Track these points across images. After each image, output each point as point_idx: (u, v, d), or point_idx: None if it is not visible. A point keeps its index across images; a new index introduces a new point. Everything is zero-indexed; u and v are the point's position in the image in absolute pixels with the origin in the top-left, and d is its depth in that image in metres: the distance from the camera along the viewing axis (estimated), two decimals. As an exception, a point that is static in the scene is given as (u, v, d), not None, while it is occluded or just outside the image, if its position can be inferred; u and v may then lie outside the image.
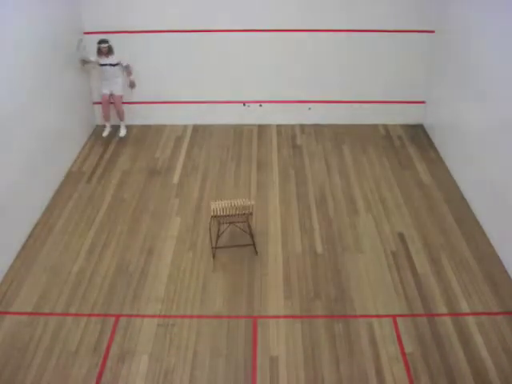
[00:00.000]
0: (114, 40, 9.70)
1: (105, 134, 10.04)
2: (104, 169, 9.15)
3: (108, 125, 10.11)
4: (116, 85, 9.80)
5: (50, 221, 7.88)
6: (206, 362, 5.74)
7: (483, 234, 7.58)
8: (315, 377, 5.58)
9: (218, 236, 7.25)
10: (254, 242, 7.30)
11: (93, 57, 9.56)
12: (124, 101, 10.20)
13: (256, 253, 7.25)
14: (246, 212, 6.97)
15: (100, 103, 10.14)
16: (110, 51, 9.47)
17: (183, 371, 5.64)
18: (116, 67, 9.63)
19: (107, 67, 9.57)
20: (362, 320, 6.25)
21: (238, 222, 7.22)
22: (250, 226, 7.34)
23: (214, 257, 7.18)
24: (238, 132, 10.41)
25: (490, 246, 7.35)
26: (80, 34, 9.65)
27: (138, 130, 10.42)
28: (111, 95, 9.90)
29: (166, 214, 8.02)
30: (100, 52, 9.44)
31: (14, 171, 7.22)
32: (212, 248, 7.26)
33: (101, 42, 9.39)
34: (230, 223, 7.28)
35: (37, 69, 7.97)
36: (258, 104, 10.47)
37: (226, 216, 6.96)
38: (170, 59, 10.02)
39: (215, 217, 6.97)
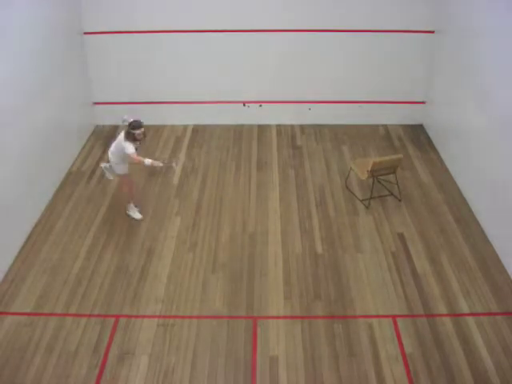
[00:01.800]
0: (113, 40, 9.72)
1: (138, 216, 7.99)
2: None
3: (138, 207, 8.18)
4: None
5: (50, 221, 7.88)
6: (205, 362, 5.74)
7: (483, 233, 7.58)
8: (315, 377, 5.58)
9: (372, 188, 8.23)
10: (399, 190, 8.33)
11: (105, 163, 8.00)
12: (123, 101, 10.23)
13: (399, 200, 8.23)
14: (396, 164, 8.07)
15: (103, 103, 10.16)
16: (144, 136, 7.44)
17: (183, 371, 5.64)
18: None
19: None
20: (361, 320, 6.25)
21: (388, 174, 8.23)
22: (396, 177, 8.28)
23: (368, 207, 8.16)
24: (237, 132, 10.40)
25: (490, 245, 7.35)
26: (80, 34, 9.65)
27: (137, 130, 10.40)
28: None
29: (165, 215, 8.02)
30: (134, 139, 7.20)
31: (14, 171, 7.22)
32: (363, 200, 8.28)
33: (137, 126, 7.18)
34: (380, 176, 8.26)
35: (37, 69, 7.96)
36: (258, 104, 10.47)
37: (380, 169, 8.02)
38: (170, 59, 10.01)
39: (372, 171, 7.92)
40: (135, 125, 7.18)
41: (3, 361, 5.73)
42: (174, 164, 8.05)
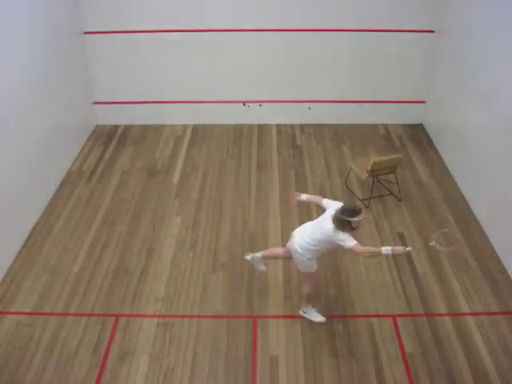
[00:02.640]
0: (114, 40, 9.73)
1: (322, 319, 6.26)
2: (104, 169, 9.15)
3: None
4: None
5: (50, 221, 7.88)
6: (205, 362, 5.74)
7: (483, 233, 7.58)
8: (315, 377, 5.58)
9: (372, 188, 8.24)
10: (399, 189, 8.32)
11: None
12: (123, 101, 10.24)
13: (400, 199, 8.20)
14: (396, 164, 8.08)
15: (103, 103, 10.16)
16: None
17: (183, 371, 5.65)
18: None
19: None
20: (361, 320, 6.25)
21: (388, 174, 8.23)
22: (396, 176, 8.28)
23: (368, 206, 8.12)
24: (237, 132, 10.40)
25: (490, 245, 7.35)
26: (80, 34, 9.65)
27: (137, 130, 10.41)
28: None
29: (165, 214, 8.01)
30: (351, 228, 5.41)
31: (14, 171, 7.22)
32: (363, 200, 8.26)
33: (356, 212, 5.39)
34: (380, 175, 8.24)
35: (37, 69, 7.96)
36: (258, 104, 10.47)
37: (380, 169, 7.99)
38: (171, 59, 10.00)
39: (372, 171, 7.89)
40: (354, 211, 5.38)
41: (3, 361, 5.73)
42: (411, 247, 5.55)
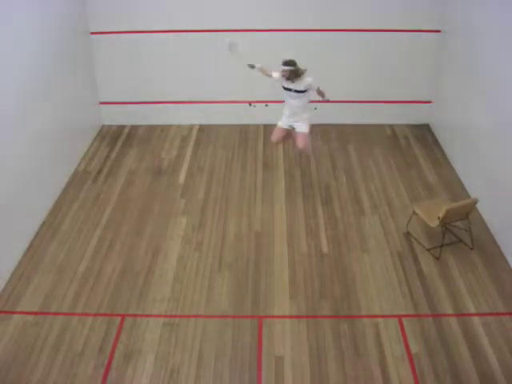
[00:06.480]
0: (120, 40, 9.75)
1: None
2: (110, 169, 9.17)
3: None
4: (300, 119, 8.22)
5: (56, 220, 7.91)
6: (211, 362, 5.75)
7: (489, 234, 7.55)
8: (320, 377, 5.58)
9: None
10: (471, 237, 7.31)
11: (258, 64, 8.07)
12: (130, 101, 10.26)
13: (471, 248, 7.26)
14: (469, 210, 7.11)
15: (109, 104, 10.19)
16: (293, 77, 7.72)
17: (188, 371, 5.66)
18: (303, 94, 7.94)
19: (291, 93, 7.90)
20: (367, 320, 6.24)
21: (460, 220, 7.28)
22: (469, 222, 7.30)
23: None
24: (243, 132, 10.41)
25: (496, 245, 7.33)
26: (86, 34, 9.67)
27: (143, 131, 10.44)
28: (292, 130, 8.40)
29: (171, 214, 8.03)
30: (282, 74, 7.71)
31: (20, 171, 7.25)
32: (431, 249, 7.27)
33: (284, 63, 7.62)
34: (451, 222, 7.27)
35: (43, 69, 7.99)
36: (264, 104, 10.46)
37: (452, 216, 7.03)
38: (176, 59, 10.02)
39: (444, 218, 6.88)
40: (284, 61, 7.68)
41: (10, 360, 5.76)
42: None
